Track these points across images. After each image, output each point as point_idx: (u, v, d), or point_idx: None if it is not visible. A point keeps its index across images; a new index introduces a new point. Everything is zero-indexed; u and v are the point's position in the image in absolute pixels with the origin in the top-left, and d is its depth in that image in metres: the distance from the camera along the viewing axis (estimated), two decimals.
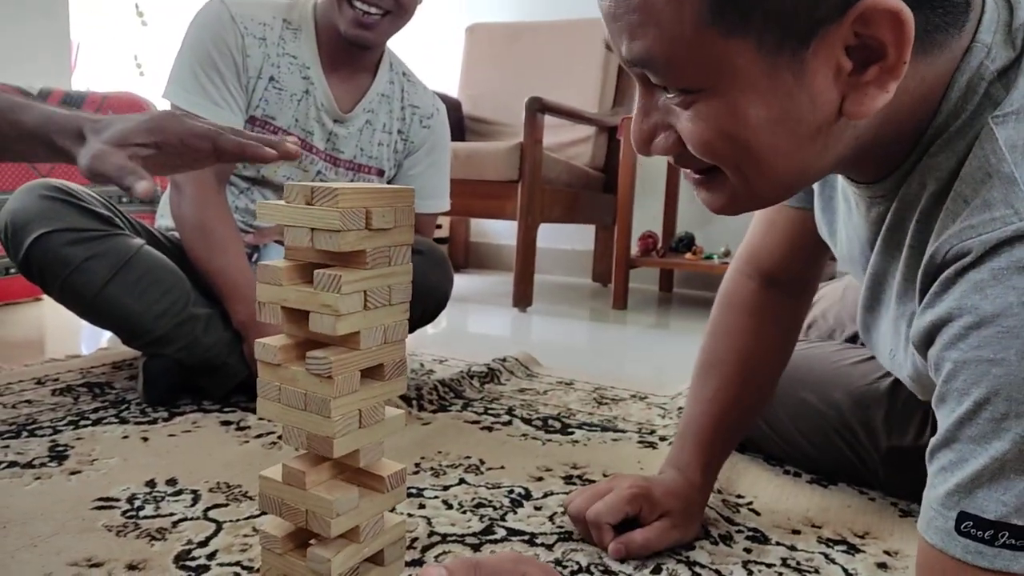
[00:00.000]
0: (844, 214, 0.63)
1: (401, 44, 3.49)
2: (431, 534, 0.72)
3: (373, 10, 1.12)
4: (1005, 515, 0.39)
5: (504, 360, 1.37)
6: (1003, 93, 0.44)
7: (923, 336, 0.45)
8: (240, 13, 1.16)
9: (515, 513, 0.78)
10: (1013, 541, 0.38)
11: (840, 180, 0.61)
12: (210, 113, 1.13)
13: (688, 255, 2.36)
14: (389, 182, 1.32)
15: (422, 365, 1.38)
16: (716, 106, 0.44)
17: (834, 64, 0.42)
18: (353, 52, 1.20)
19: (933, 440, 0.44)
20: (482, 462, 0.92)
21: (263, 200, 0.52)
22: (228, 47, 1.15)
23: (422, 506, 0.79)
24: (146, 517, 0.74)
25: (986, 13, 0.45)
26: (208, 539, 0.70)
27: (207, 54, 1.14)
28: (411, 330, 1.27)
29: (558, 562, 0.68)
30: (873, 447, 0.83)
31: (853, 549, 0.73)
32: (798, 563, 0.70)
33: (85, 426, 1.00)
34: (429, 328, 1.66)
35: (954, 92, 0.45)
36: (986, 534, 0.39)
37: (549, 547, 0.71)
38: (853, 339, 0.97)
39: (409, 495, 0.81)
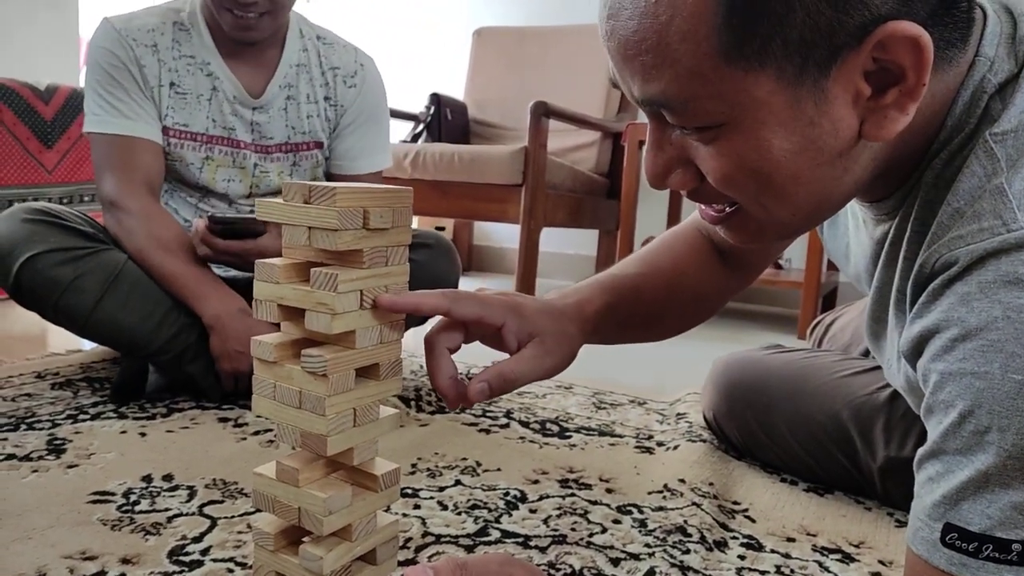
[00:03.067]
0: (852, 230, 0.63)
1: (408, 47, 3.49)
2: (425, 534, 0.72)
3: (250, 14, 1.09)
4: (989, 528, 0.39)
5: None
6: (1001, 109, 0.44)
7: (912, 347, 0.45)
8: (125, 27, 1.14)
9: (510, 515, 0.78)
10: (996, 554, 0.38)
11: None
12: (126, 128, 1.13)
13: None
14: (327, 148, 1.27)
15: (422, 367, 1.38)
16: (737, 140, 0.44)
17: (853, 89, 0.42)
18: (246, 45, 1.16)
19: (921, 451, 0.44)
20: (479, 464, 0.92)
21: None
22: (121, 62, 1.13)
23: (417, 506, 0.79)
24: (141, 512, 0.74)
25: (988, 25, 0.45)
26: (202, 535, 0.70)
27: (105, 74, 1.13)
28: (423, 321, 1.27)
29: (551, 565, 0.68)
30: (871, 458, 0.83)
31: (848, 558, 0.73)
32: (792, 571, 0.70)
33: (84, 420, 1.00)
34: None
35: (958, 107, 0.45)
36: (970, 546, 0.39)
37: (543, 550, 0.71)
38: (867, 353, 0.97)
39: (404, 495, 0.81)
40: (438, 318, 0.59)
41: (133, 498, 0.77)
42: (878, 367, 0.86)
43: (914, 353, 0.45)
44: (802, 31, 0.40)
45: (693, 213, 0.79)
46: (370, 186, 0.52)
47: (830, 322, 1.15)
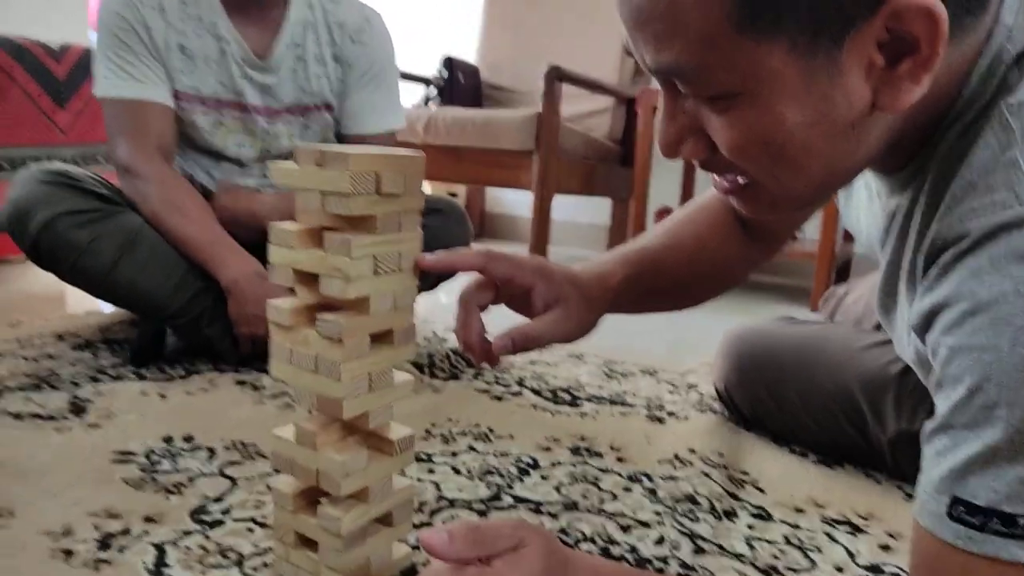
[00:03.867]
0: (865, 201, 0.63)
1: (420, 9, 3.43)
2: (439, 498, 0.74)
3: None
4: (995, 502, 0.39)
5: None
6: (1019, 79, 0.43)
7: (921, 321, 0.45)
8: None
9: (522, 481, 0.79)
10: (1002, 528, 0.39)
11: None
12: (136, 91, 1.12)
13: None
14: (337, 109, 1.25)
15: (435, 333, 1.39)
16: (750, 111, 0.43)
17: (866, 60, 0.41)
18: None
19: (928, 424, 0.44)
20: (491, 430, 0.93)
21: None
22: (129, 23, 1.12)
23: (431, 471, 0.80)
24: (163, 472, 0.76)
25: None
26: (223, 495, 0.71)
27: (114, 37, 1.12)
28: (434, 286, 1.28)
29: (563, 531, 0.69)
30: (881, 430, 0.83)
31: (856, 530, 0.74)
32: (801, 541, 0.71)
33: (104, 381, 1.02)
34: (443, 297, 1.66)
35: (975, 77, 0.44)
36: (976, 519, 0.39)
37: (554, 516, 0.72)
38: (879, 327, 0.97)
39: (419, 460, 0.82)
40: (455, 282, 0.60)
41: (155, 458, 0.79)
42: (890, 341, 0.86)
43: (924, 327, 0.45)
44: (814, 1, 0.39)
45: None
46: (383, 150, 0.52)
47: (843, 294, 1.15)
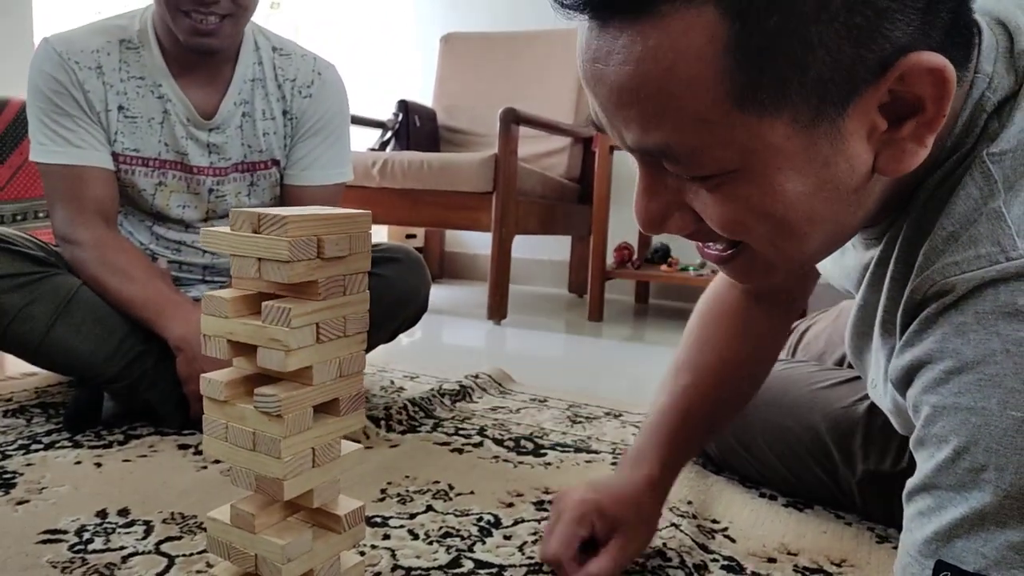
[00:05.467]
0: (836, 255, 0.61)
1: (376, 53, 3.46)
2: (395, 567, 0.69)
3: (211, 16, 1.02)
4: (984, 568, 0.37)
5: (477, 377, 1.34)
6: (999, 128, 0.42)
7: (902, 375, 0.43)
8: (66, 49, 1.07)
9: (483, 543, 0.75)
10: None
11: None
12: (74, 157, 1.07)
13: (663, 267, 2.35)
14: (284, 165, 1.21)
15: (392, 382, 1.35)
16: (747, 186, 0.41)
17: (869, 124, 0.40)
18: (204, 55, 1.10)
19: (911, 482, 0.42)
20: (451, 487, 0.89)
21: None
22: (63, 86, 1.07)
23: (387, 536, 0.76)
24: (95, 551, 0.70)
25: (983, 40, 0.43)
26: None
27: (48, 101, 1.07)
28: (392, 337, 1.24)
29: None
30: (850, 471, 0.82)
31: None
32: None
33: (36, 451, 0.95)
34: (404, 339, 1.63)
35: (958, 127, 0.43)
36: None
37: None
38: (842, 362, 0.96)
39: (374, 524, 0.78)
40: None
41: (86, 536, 0.73)
42: (856, 377, 0.85)
43: (904, 382, 0.43)
44: (821, 71, 0.37)
45: (716, 277, 0.78)
46: (324, 211, 0.49)
47: (804, 329, 1.14)
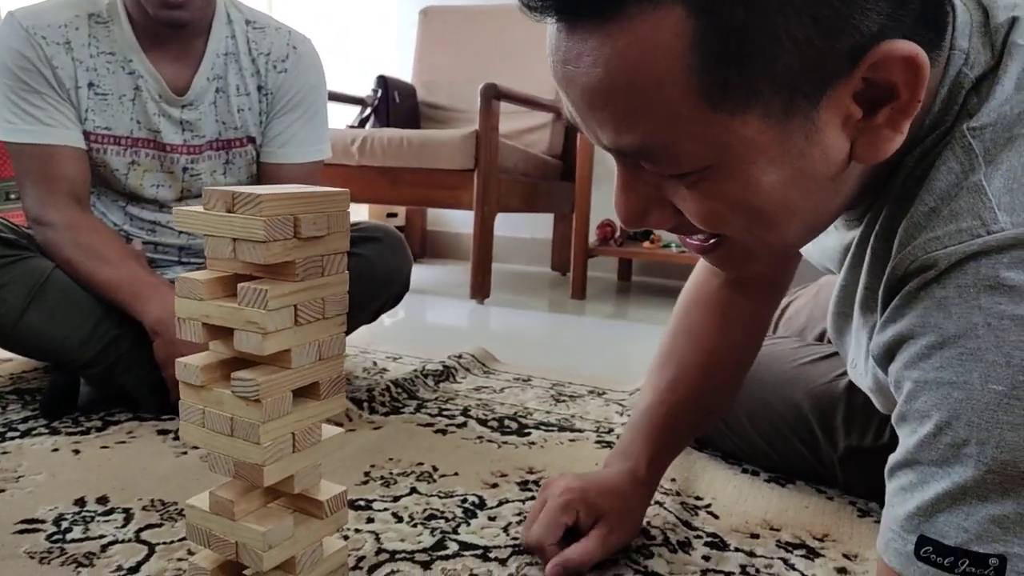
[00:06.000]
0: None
1: (353, 27, 3.39)
2: (379, 551, 0.69)
3: None
4: (966, 542, 0.37)
5: (460, 357, 1.33)
6: (978, 102, 0.42)
7: (884, 351, 0.43)
8: (33, 24, 1.03)
9: (468, 524, 0.75)
10: (973, 569, 0.37)
11: None
12: (43, 136, 1.04)
13: (646, 243, 2.35)
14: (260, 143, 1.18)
15: (375, 364, 1.34)
16: (724, 181, 0.41)
17: (843, 113, 0.39)
18: (174, 28, 1.07)
19: (893, 458, 0.42)
20: (435, 469, 0.89)
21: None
22: (31, 63, 1.03)
23: (371, 519, 0.75)
24: (73, 540, 0.69)
25: (957, 16, 0.43)
26: (139, 564, 0.65)
27: (15, 78, 1.03)
28: (374, 318, 1.22)
29: None
30: (831, 447, 0.82)
31: (812, 553, 0.72)
32: (757, 570, 0.69)
33: (12, 438, 0.93)
34: (386, 319, 1.61)
35: (936, 105, 0.43)
36: (946, 560, 0.38)
37: (503, 561, 0.68)
38: (822, 337, 0.97)
39: (357, 508, 0.77)
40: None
41: (64, 525, 0.72)
42: (836, 353, 0.85)
43: (886, 357, 0.43)
44: (790, 64, 0.37)
45: (700, 260, 0.76)
46: (301, 190, 0.47)
47: (785, 305, 1.15)
